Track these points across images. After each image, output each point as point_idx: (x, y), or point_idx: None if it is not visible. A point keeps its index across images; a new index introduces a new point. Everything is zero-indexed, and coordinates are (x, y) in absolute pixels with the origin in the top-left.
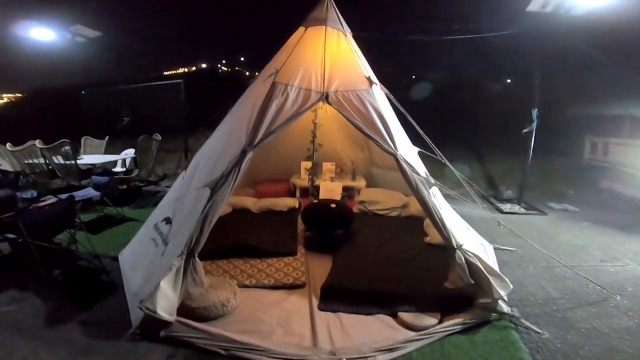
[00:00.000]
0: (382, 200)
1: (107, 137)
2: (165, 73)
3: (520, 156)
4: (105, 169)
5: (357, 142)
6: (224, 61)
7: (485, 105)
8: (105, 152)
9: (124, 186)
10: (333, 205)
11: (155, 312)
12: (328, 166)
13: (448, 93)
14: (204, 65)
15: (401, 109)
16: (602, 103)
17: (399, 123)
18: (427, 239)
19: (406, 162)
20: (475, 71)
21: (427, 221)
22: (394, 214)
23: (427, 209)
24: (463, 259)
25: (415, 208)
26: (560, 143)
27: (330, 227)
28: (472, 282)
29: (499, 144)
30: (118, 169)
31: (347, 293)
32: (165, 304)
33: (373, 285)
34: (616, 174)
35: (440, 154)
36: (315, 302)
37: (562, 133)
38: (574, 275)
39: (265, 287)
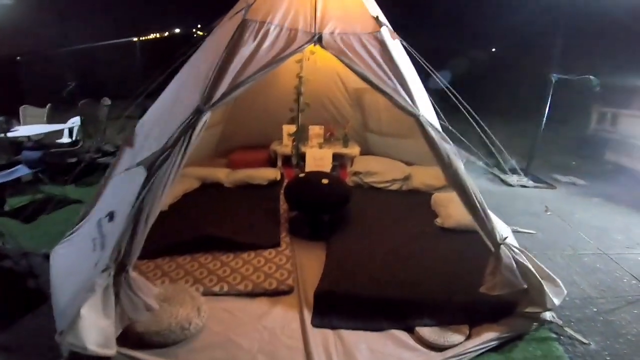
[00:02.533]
0: (381, 171)
1: (48, 105)
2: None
3: (521, 123)
4: (39, 142)
5: (350, 101)
6: (199, 25)
7: (479, 66)
8: (49, 122)
9: (74, 159)
10: (325, 181)
11: (85, 347)
12: (316, 130)
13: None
14: (177, 30)
15: (419, 58)
16: (618, 73)
17: (418, 78)
18: (439, 221)
19: (432, 126)
20: (469, 30)
21: (437, 197)
22: (395, 187)
23: (464, 192)
24: (511, 257)
25: (419, 181)
26: (559, 111)
27: (322, 209)
28: (525, 286)
29: (495, 109)
30: (65, 139)
31: (348, 301)
32: (98, 336)
33: (381, 290)
34: (624, 146)
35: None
36: (307, 315)
37: (563, 101)
38: (604, 265)
39: (240, 294)
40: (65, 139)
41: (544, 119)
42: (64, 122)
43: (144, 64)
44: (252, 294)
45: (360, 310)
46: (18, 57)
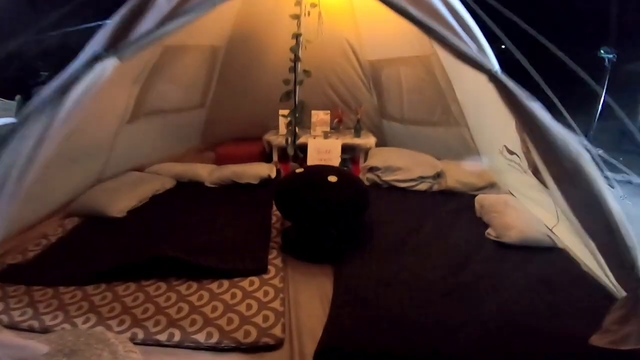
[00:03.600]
0: (405, 166)
1: (17, 97)
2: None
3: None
4: None
5: (365, 78)
6: None
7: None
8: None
9: None
10: (332, 179)
11: None
12: (320, 116)
13: None
14: None
15: (485, 17)
16: None
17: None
18: (492, 234)
19: (521, 92)
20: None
21: (484, 200)
22: (423, 187)
23: (596, 202)
24: None
25: (454, 179)
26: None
27: (328, 220)
28: None
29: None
30: None
31: None
32: None
33: (418, 344)
34: None
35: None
36: None
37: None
38: None
39: (199, 348)
40: None
41: (600, 108)
42: None
43: None
44: (217, 349)
45: None
46: None
